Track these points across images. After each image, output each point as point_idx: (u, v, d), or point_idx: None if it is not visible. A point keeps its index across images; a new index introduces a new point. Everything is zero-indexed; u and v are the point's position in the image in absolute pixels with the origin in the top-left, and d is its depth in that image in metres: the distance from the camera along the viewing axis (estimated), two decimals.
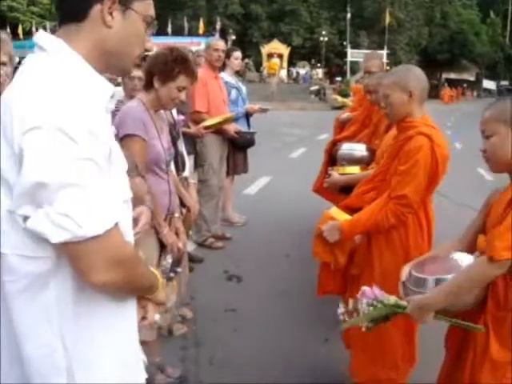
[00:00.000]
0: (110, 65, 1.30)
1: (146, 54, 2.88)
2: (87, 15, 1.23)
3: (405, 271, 2.11)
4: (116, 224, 1.15)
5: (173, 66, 2.64)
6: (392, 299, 1.98)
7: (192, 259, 4.51)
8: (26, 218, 1.11)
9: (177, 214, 2.87)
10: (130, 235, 1.32)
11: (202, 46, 7.13)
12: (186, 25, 38.81)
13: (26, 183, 1.07)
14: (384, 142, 3.31)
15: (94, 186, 1.10)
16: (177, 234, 2.79)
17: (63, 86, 1.13)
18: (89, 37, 1.24)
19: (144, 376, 1.48)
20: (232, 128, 5.28)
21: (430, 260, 2.18)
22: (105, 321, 1.26)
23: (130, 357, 1.37)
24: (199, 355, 3.33)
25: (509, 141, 1.84)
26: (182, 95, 2.70)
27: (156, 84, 2.66)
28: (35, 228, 1.10)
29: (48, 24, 38.68)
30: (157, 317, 1.49)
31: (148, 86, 2.72)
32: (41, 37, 1.23)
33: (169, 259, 2.66)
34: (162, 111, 2.84)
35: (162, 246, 2.72)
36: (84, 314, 1.22)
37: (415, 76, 2.65)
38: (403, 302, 1.97)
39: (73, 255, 1.13)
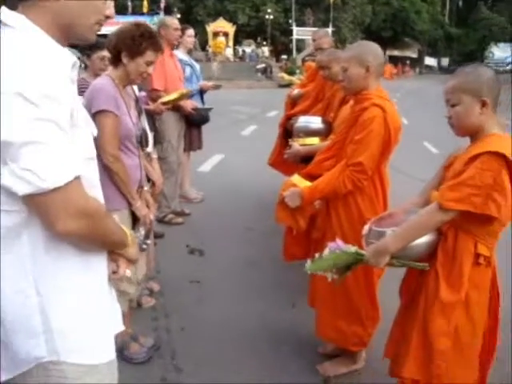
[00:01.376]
0: (70, 35, 1.38)
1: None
2: None
3: (365, 227, 2.30)
4: (77, 177, 1.26)
5: (140, 41, 2.68)
6: (353, 248, 2.20)
7: (154, 235, 4.58)
8: None
9: (146, 188, 2.95)
10: (95, 190, 1.43)
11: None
12: (129, 3, 37.89)
13: None
14: (342, 114, 3.47)
15: (54, 143, 1.21)
16: (147, 206, 2.88)
17: (24, 56, 1.22)
18: (44, 11, 1.31)
19: (121, 327, 1.61)
20: (189, 104, 5.35)
21: (389, 215, 2.41)
22: (75, 268, 1.38)
23: (104, 302, 1.49)
24: (170, 324, 3.45)
25: (472, 109, 2.03)
26: (150, 69, 2.76)
27: (124, 60, 2.70)
28: (4, 183, 1.21)
29: None
30: (128, 272, 1.60)
31: (115, 62, 2.75)
32: (5, 14, 1.30)
33: (142, 231, 2.75)
34: (128, 87, 2.90)
35: (134, 219, 2.80)
36: (55, 262, 1.34)
37: (372, 51, 2.80)
38: (363, 251, 2.19)
39: (38, 207, 1.25)
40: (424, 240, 2.09)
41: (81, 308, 1.40)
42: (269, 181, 5.95)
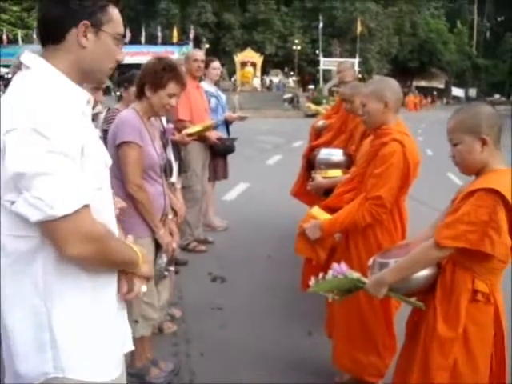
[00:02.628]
0: (86, 78, 1.54)
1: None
2: (64, 38, 1.46)
3: (371, 259, 2.36)
4: (86, 206, 1.36)
5: (162, 74, 2.81)
6: (355, 275, 2.26)
7: (177, 262, 4.67)
8: (12, 203, 1.34)
9: (170, 216, 3.05)
10: (103, 217, 1.50)
11: (176, 55, 7.33)
12: (159, 34, 38.87)
13: (8, 174, 1.31)
14: (363, 147, 3.55)
15: (64, 174, 1.32)
16: (170, 234, 2.98)
17: (40, 94, 1.36)
18: (67, 56, 1.46)
19: (130, 347, 1.69)
20: (214, 135, 5.49)
21: (398, 247, 2.47)
22: (84, 288, 1.47)
23: (111, 322, 1.57)
24: (190, 350, 3.51)
25: (473, 147, 2.06)
26: (173, 101, 2.88)
27: (148, 93, 2.83)
28: (18, 210, 1.33)
29: (20, 32, 38.36)
30: (144, 288, 1.68)
31: (140, 95, 2.89)
32: (25, 56, 1.47)
33: (164, 258, 2.85)
34: (153, 119, 3.03)
35: (157, 247, 2.90)
36: (65, 282, 1.43)
37: (390, 87, 2.89)
38: (364, 279, 2.24)
39: (49, 233, 1.36)
40: (423, 274, 2.13)
41: (88, 327, 1.48)
42: (291, 210, 6.01)
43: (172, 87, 2.85)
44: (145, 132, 2.83)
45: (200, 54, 5.59)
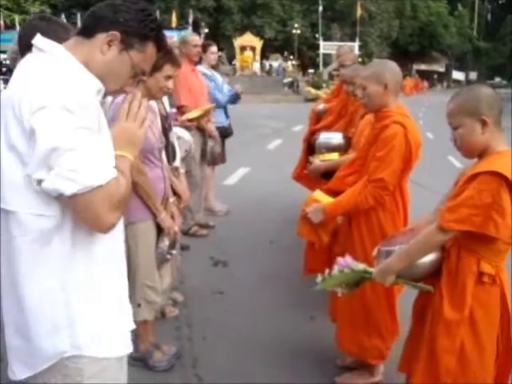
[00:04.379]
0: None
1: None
2: (93, 36, 1.51)
3: (375, 249, 2.36)
4: (115, 177, 1.40)
5: (157, 56, 2.79)
6: (360, 266, 2.26)
7: (179, 246, 4.68)
8: (39, 182, 1.35)
9: (171, 199, 3.05)
10: None
11: (175, 40, 7.28)
12: (158, 18, 38.59)
13: (41, 150, 1.32)
14: (359, 129, 3.54)
15: (93, 147, 1.37)
16: (172, 217, 2.97)
17: (60, 74, 1.41)
18: (85, 52, 1.51)
19: (133, 324, 1.72)
20: (211, 127, 5.50)
21: (401, 232, 2.47)
22: (98, 267, 1.52)
23: (122, 300, 1.65)
24: (192, 334, 3.53)
25: (474, 129, 2.04)
26: (170, 83, 2.86)
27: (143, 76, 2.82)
28: (50, 186, 1.34)
29: (17, 17, 38.02)
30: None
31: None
32: (39, 40, 1.50)
33: (166, 242, 2.85)
34: (150, 102, 3.00)
35: (159, 230, 2.90)
36: (80, 262, 1.48)
37: (390, 70, 2.87)
38: (371, 269, 2.25)
39: (83, 206, 1.38)
40: (428, 258, 2.13)
41: (101, 304, 1.53)
42: (293, 194, 6.01)
43: (168, 69, 2.84)
44: None
45: (197, 39, 5.58)
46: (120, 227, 1.62)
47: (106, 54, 1.51)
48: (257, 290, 4.30)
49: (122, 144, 1.53)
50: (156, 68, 2.79)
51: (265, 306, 4.00)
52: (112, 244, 1.57)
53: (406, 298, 3.00)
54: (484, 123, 2.03)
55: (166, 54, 2.81)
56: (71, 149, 1.32)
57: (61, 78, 1.40)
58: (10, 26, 38.42)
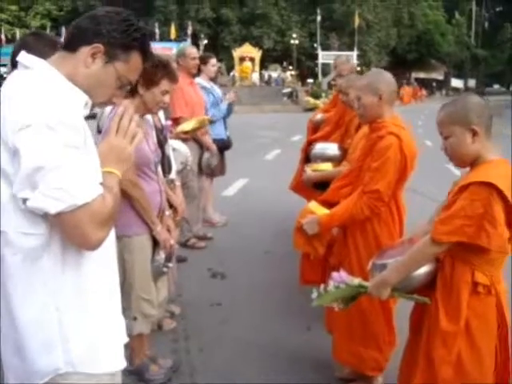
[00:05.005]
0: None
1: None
2: (77, 50, 1.50)
3: (370, 263, 2.36)
4: (100, 194, 1.40)
5: (155, 71, 2.80)
6: (356, 281, 2.26)
7: (176, 259, 4.67)
8: (24, 201, 1.35)
9: (167, 212, 3.05)
10: None
11: (174, 52, 7.30)
12: (157, 30, 38.77)
13: (25, 169, 1.32)
14: (354, 140, 3.54)
15: (78, 165, 1.36)
16: (168, 230, 2.97)
17: (45, 92, 1.39)
18: (69, 66, 1.49)
19: (126, 338, 1.72)
20: (207, 139, 5.50)
21: (397, 244, 2.46)
22: (89, 284, 1.52)
23: (114, 315, 1.63)
24: (189, 346, 3.52)
25: (464, 139, 2.05)
26: (166, 98, 2.88)
27: (140, 90, 2.81)
28: (35, 205, 1.34)
29: (18, 31, 38.28)
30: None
31: (132, 92, 2.87)
32: (23, 57, 1.49)
33: (162, 255, 2.85)
34: (149, 117, 3.01)
35: (155, 243, 2.89)
36: (71, 279, 1.48)
37: (385, 80, 2.88)
38: (366, 283, 2.24)
39: (69, 224, 1.38)
40: (423, 270, 2.13)
41: (94, 319, 1.53)
42: (291, 205, 5.99)
43: (165, 84, 2.85)
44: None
45: (195, 51, 5.60)
46: (111, 242, 1.62)
47: (91, 67, 1.50)
48: (254, 301, 4.29)
49: (111, 160, 1.53)
50: (153, 82, 2.80)
51: (262, 317, 3.99)
52: (103, 260, 1.57)
53: (403, 308, 2.99)
54: (474, 133, 2.04)
55: (163, 69, 2.82)
56: (55, 167, 1.32)
57: (45, 95, 1.39)
58: (11, 40, 38.65)
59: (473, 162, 2.10)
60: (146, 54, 1.60)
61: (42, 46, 2.16)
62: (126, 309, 2.88)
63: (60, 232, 1.43)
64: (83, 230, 1.38)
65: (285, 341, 3.63)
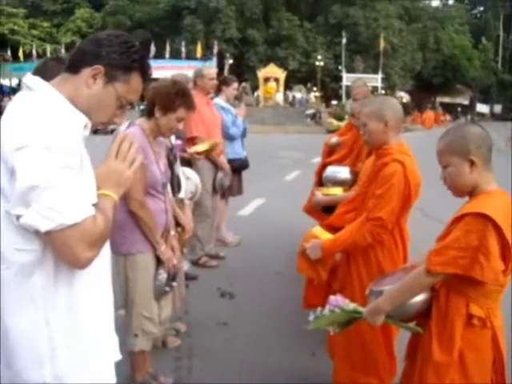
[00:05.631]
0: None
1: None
2: (79, 71, 1.58)
3: (367, 289, 2.36)
4: (91, 215, 1.45)
5: (174, 98, 2.87)
6: (351, 306, 2.27)
7: (187, 277, 4.71)
8: (18, 217, 1.41)
9: (172, 232, 3.09)
10: None
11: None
12: (183, 49, 39.33)
13: (20, 188, 1.38)
14: (365, 165, 3.55)
15: (72, 186, 1.42)
16: (172, 250, 3.02)
17: (44, 114, 1.45)
18: (71, 87, 1.56)
19: (119, 355, 1.75)
20: (222, 160, 5.56)
21: (399, 269, 2.46)
22: (80, 300, 1.56)
23: (105, 332, 1.67)
24: (192, 365, 3.53)
25: (462, 169, 2.06)
26: (180, 125, 2.95)
27: (157, 113, 2.89)
28: (27, 222, 1.40)
29: (48, 47, 39.27)
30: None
31: (149, 113, 2.95)
32: (28, 79, 1.57)
33: (164, 274, 2.89)
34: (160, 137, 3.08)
35: (158, 262, 2.94)
36: (63, 295, 1.52)
37: (391, 106, 2.90)
38: (361, 309, 2.25)
39: (59, 242, 1.43)
40: (418, 298, 2.13)
41: (83, 335, 1.57)
42: (306, 227, 6.00)
43: (182, 112, 2.92)
44: (149, 150, 2.88)
45: (214, 72, 5.68)
46: (106, 261, 1.67)
47: (92, 88, 1.57)
48: (260, 323, 4.29)
49: (108, 183, 1.58)
50: (171, 109, 2.87)
51: (267, 339, 3.99)
52: (96, 278, 1.61)
53: (405, 336, 2.97)
54: (472, 163, 2.04)
55: (182, 97, 2.89)
56: (49, 187, 1.38)
57: (43, 116, 1.45)
58: (41, 56, 39.63)
59: (471, 192, 2.10)
60: (145, 75, 1.66)
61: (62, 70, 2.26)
62: (128, 325, 2.93)
63: (52, 250, 1.48)
64: (72, 248, 1.43)
65: (288, 365, 3.62)
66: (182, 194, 3.62)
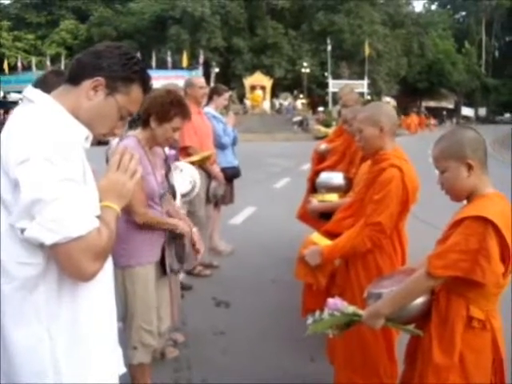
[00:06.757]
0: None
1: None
2: (80, 83, 1.57)
3: (365, 291, 2.36)
4: (96, 227, 1.44)
5: (169, 108, 2.85)
6: (350, 309, 2.25)
7: (182, 287, 4.68)
8: (22, 231, 1.40)
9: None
10: None
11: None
12: (169, 58, 39.37)
13: (24, 201, 1.37)
14: (360, 171, 3.57)
15: (76, 198, 1.41)
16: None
17: (45, 127, 1.45)
18: (72, 99, 1.56)
19: (123, 368, 1.74)
20: (215, 169, 5.55)
21: (411, 270, 2.46)
22: (84, 314, 1.54)
23: (109, 346, 1.65)
24: (192, 376, 3.50)
25: (459, 173, 2.06)
26: (176, 135, 2.93)
27: (152, 124, 2.86)
28: (32, 235, 1.39)
29: (34, 59, 39.12)
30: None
31: (144, 124, 2.93)
32: (29, 91, 1.57)
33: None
34: (157, 148, 3.06)
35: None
36: (67, 309, 1.51)
37: (385, 112, 2.92)
38: (360, 312, 2.24)
39: (64, 255, 1.41)
40: (418, 301, 2.12)
41: (87, 349, 1.55)
42: (299, 234, 6.00)
43: (177, 121, 2.89)
44: (145, 161, 2.85)
45: (203, 81, 5.70)
46: (109, 274, 1.65)
47: (93, 100, 1.57)
48: (258, 331, 4.27)
49: (110, 195, 1.57)
50: (166, 119, 2.85)
51: (265, 347, 3.97)
52: (99, 291, 1.60)
53: (405, 339, 2.97)
54: (470, 167, 2.05)
55: (178, 107, 2.87)
56: (53, 200, 1.37)
57: (45, 129, 1.44)
58: (26, 68, 39.48)
59: (469, 196, 2.11)
60: (146, 85, 1.66)
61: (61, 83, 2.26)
62: (127, 338, 2.90)
63: (56, 263, 1.46)
64: (77, 261, 1.42)
65: (288, 372, 3.61)
66: (177, 203, 3.60)
